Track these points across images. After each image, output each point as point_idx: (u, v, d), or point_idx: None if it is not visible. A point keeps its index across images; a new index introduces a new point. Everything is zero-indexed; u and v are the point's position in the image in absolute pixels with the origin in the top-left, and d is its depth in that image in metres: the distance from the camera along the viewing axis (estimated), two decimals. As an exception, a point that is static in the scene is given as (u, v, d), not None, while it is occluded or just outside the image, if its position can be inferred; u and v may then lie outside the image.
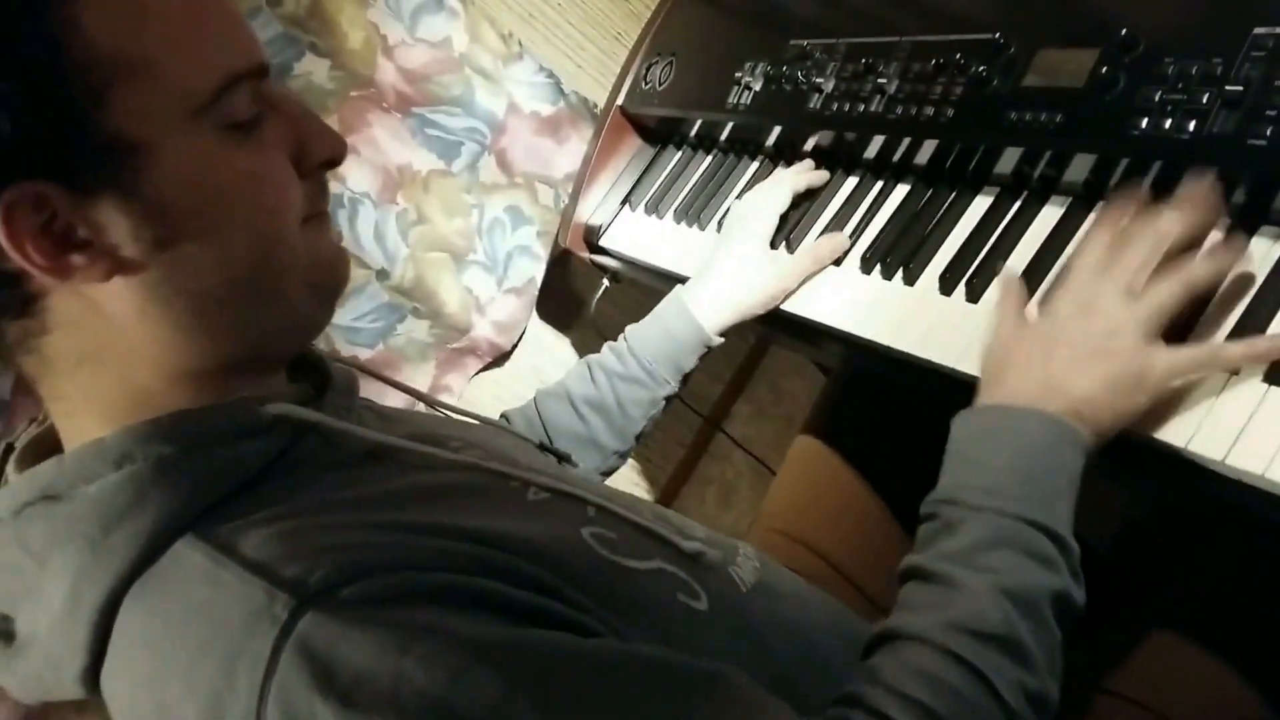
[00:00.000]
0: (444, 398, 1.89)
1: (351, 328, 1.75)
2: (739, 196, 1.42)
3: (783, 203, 1.30)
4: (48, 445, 0.78)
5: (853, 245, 1.25)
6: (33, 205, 0.64)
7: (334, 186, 1.65)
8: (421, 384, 1.87)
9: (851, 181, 1.33)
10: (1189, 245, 0.88)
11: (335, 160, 0.78)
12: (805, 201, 1.34)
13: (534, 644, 0.64)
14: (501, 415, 1.30)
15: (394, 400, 1.80)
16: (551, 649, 0.64)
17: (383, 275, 1.74)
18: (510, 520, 0.75)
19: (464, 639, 0.62)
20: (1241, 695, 0.95)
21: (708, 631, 0.80)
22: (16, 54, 0.61)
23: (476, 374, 1.96)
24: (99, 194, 0.65)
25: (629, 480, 2.33)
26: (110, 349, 0.72)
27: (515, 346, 1.98)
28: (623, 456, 1.30)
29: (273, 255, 0.73)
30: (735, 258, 1.27)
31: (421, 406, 1.21)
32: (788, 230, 1.30)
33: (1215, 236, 0.89)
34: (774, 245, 1.30)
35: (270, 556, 0.65)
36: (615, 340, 1.29)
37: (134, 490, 0.69)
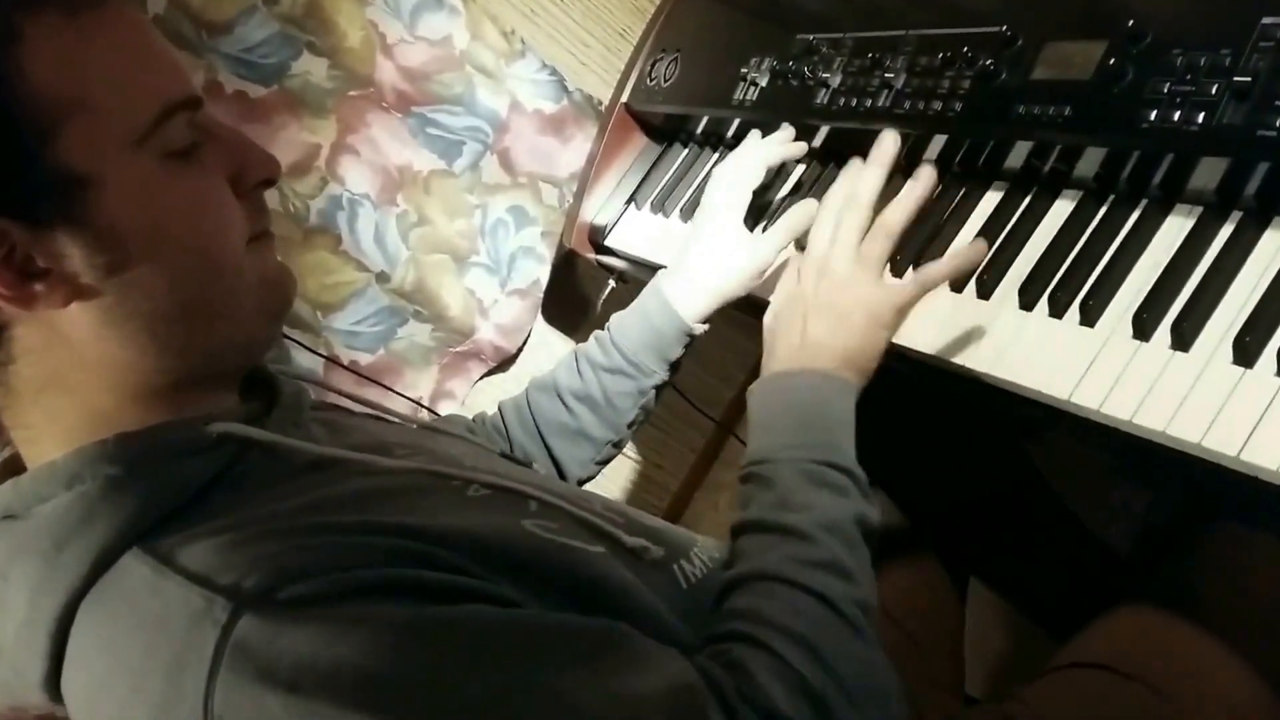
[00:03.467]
0: (446, 403, 1.91)
1: (351, 331, 1.77)
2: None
3: (754, 177, 1.28)
4: (18, 466, 0.84)
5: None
6: None
7: (333, 188, 1.68)
8: (424, 389, 1.89)
9: (860, 178, 1.34)
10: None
11: (271, 180, 0.86)
12: (808, 197, 1.34)
13: (456, 617, 0.71)
14: (498, 406, 1.34)
15: (390, 405, 1.82)
16: (471, 619, 0.71)
17: (383, 278, 1.76)
18: (446, 516, 0.80)
19: (392, 622, 0.69)
20: (1234, 665, 1.01)
21: (655, 609, 0.86)
22: None
23: (481, 378, 1.98)
24: (53, 225, 0.72)
25: (639, 487, 2.34)
26: (70, 373, 0.79)
27: (520, 350, 1.99)
28: (616, 446, 1.32)
29: (219, 275, 0.81)
30: (710, 242, 1.26)
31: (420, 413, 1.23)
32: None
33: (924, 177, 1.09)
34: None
35: (208, 566, 0.71)
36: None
37: (84, 509, 0.75)
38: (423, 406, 1.87)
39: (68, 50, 0.71)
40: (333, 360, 1.76)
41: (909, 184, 1.07)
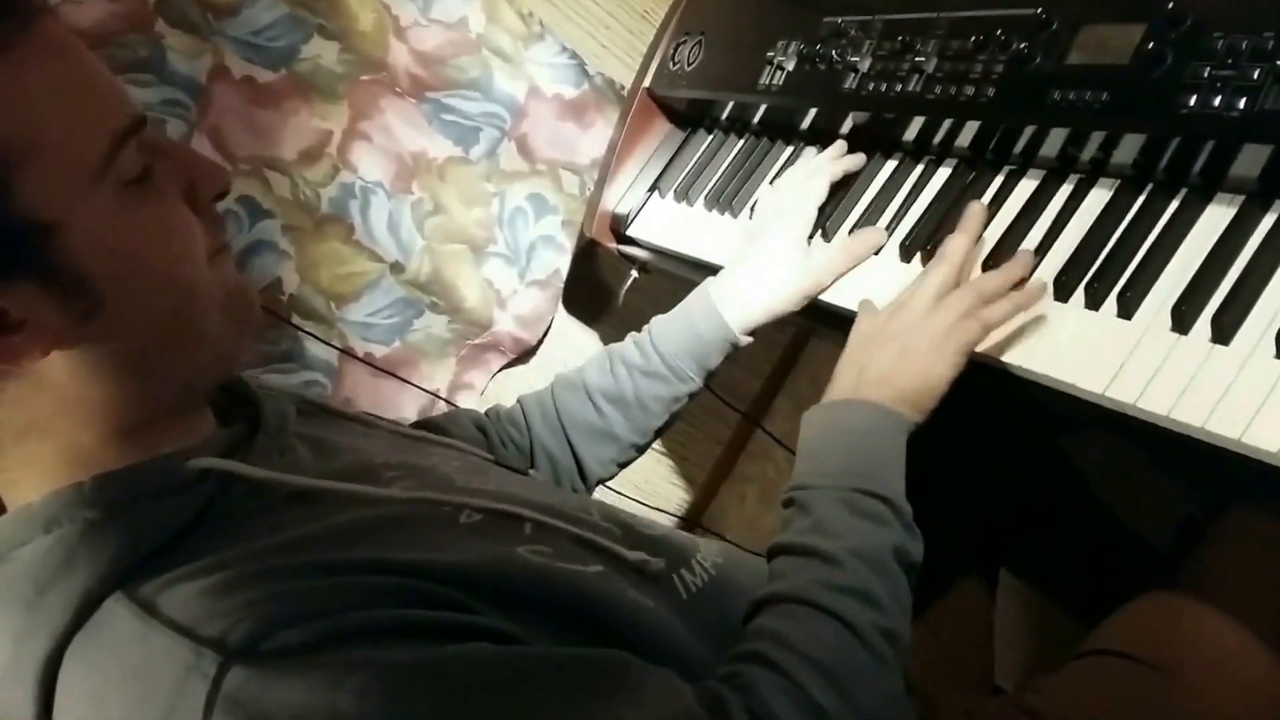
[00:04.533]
0: (465, 395, 1.92)
1: (365, 323, 1.78)
2: (772, 182, 1.44)
3: (820, 194, 1.31)
4: None
5: (892, 232, 1.27)
6: None
7: (345, 175, 1.68)
8: (441, 381, 1.89)
9: (890, 165, 1.34)
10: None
11: (224, 192, 0.86)
12: (841, 187, 1.35)
13: (453, 658, 0.72)
14: (519, 400, 1.35)
15: (407, 397, 1.83)
16: (469, 659, 0.72)
17: (397, 269, 1.76)
18: (436, 549, 0.81)
19: (389, 666, 0.69)
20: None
21: (658, 625, 0.88)
22: None
23: (500, 370, 1.99)
24: (22, 277, 0.72)
25: (665, 481, 2.35)
26: (50, 418, 0.79)
27: (541, 342, 2.00)
28: (640, 449, 1.33)
29: (192, 297, 0.81)
30: (768, 254, 1.28)
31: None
32: (823, 218, 1.32)
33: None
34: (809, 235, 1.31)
35: (193, 616, 0.71)
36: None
37: (64, 553, 0.76)
38: (440, 399, 1.88)
39: (11, 95, 0.70)
40: (347, 353, 1.77)
41: (1010, 265, 1.09)
